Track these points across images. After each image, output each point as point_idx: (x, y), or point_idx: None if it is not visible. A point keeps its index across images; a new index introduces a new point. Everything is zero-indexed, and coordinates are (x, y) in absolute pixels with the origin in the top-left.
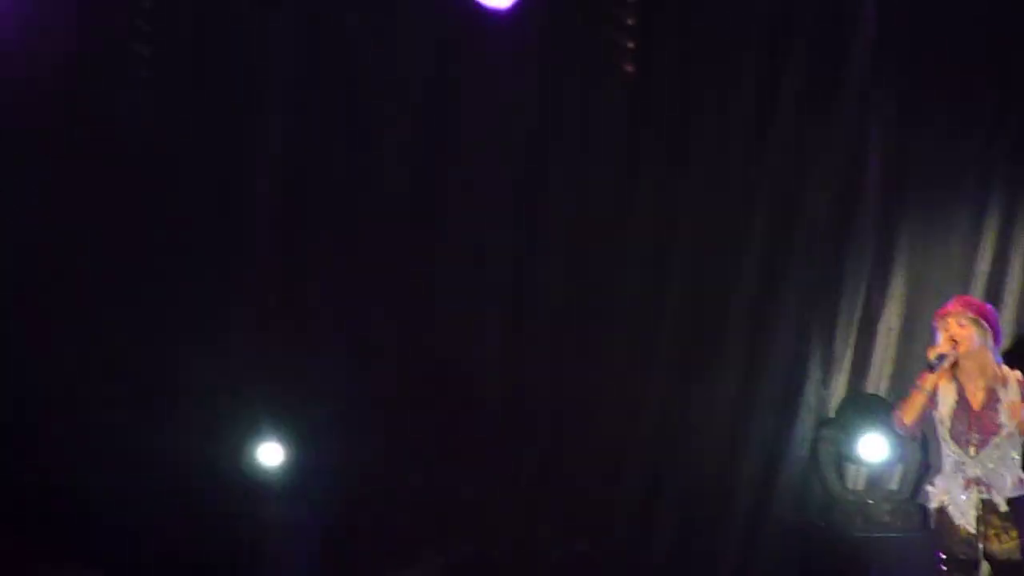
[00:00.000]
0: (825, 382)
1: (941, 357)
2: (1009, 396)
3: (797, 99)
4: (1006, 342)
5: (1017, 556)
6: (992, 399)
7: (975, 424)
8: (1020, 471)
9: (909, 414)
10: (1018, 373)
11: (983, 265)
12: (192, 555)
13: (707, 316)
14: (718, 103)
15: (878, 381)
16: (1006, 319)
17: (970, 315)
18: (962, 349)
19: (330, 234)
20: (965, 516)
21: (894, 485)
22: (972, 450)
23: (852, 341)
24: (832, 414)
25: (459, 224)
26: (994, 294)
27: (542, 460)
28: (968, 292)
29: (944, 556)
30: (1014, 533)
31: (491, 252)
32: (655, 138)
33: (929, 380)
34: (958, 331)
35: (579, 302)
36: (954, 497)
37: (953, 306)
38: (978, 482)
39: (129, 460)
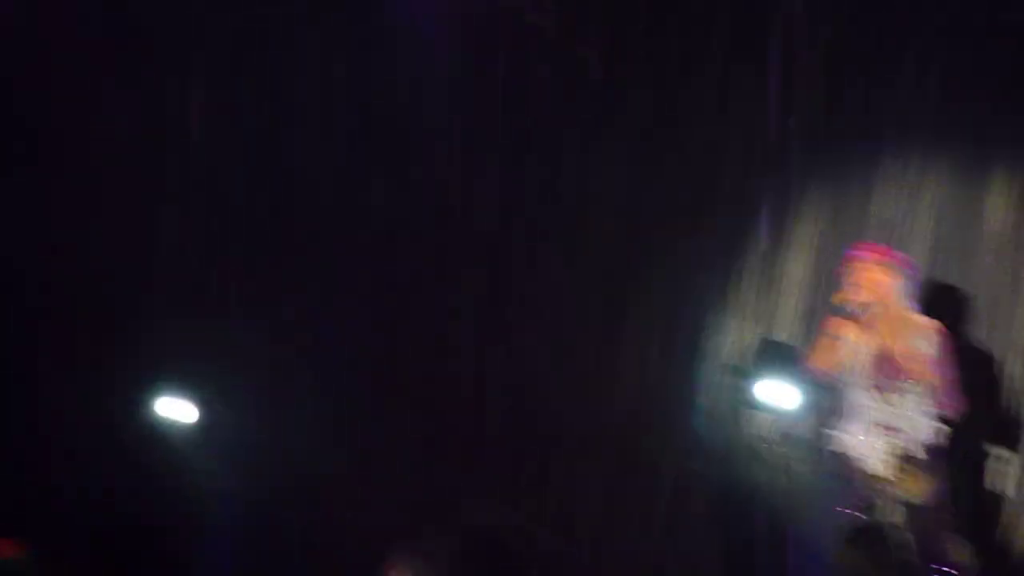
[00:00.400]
0: (732, 329)
1: (854, 304)
2: (921, 340)
3: (719, 54)
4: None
5: (928, 500)
6: (904, 344)
7: (887, 369)
8: (930, 418)
9: (823, 360)
10: (927, 318)
11: (891, 215)
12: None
13: (616, 271)
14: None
15: (785, 328)
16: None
17: (885, 261)
18: (876, 296)
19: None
20: (878, 461)
21: (802, 432)
22: (883, 395)
23: (759, 289)
24: (739, 361)
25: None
26: (901, 244)
27: (463, 423)
28: (875, 241)
29: (856, 500)
30: (925, 477)
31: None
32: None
33: (841, 326)
34: (871, 277)
35: (502, 263)
36: (866, 442)
37: (866, 252)
38: (887, 427)
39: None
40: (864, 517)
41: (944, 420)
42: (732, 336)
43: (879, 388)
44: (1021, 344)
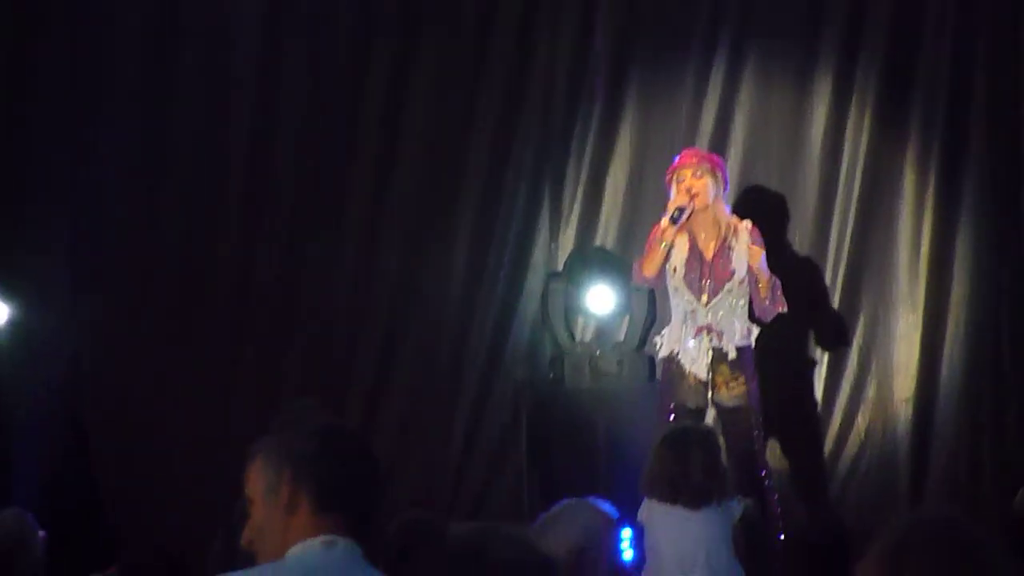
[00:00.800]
0: (554, 236)
1: (681, 210)
2: (740, 244)
3: None
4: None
5: (743, 403)
6: (724, 247)
7: (707, 272)
8: (747, 320)
9: (649, 266)
10: (747, 222)
11: (708, 121)
12: None
13: (439, 176)
14: None
15: (605, 235)
16: (732, 173)
17: (706, 166)
18: (699, 201)
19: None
20: (696, 363)
21: (621, 336)
22: (704, 298)
23: (580, 196)
24: (561, 268)
25: None
26: (718, 150)
27: (274, 331)
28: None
29: (674, 404)
30: (741, 380)
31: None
32: None
33: (668, 232)
34: (695, 183)
35: (311, 178)
36: (685, 345)
37: (687, 158)
38: (709, 330)
39: None
40: (683, 420)
41: (758, 322)
42: (555, 243)
43: (702, 290)
44: (832, 252)
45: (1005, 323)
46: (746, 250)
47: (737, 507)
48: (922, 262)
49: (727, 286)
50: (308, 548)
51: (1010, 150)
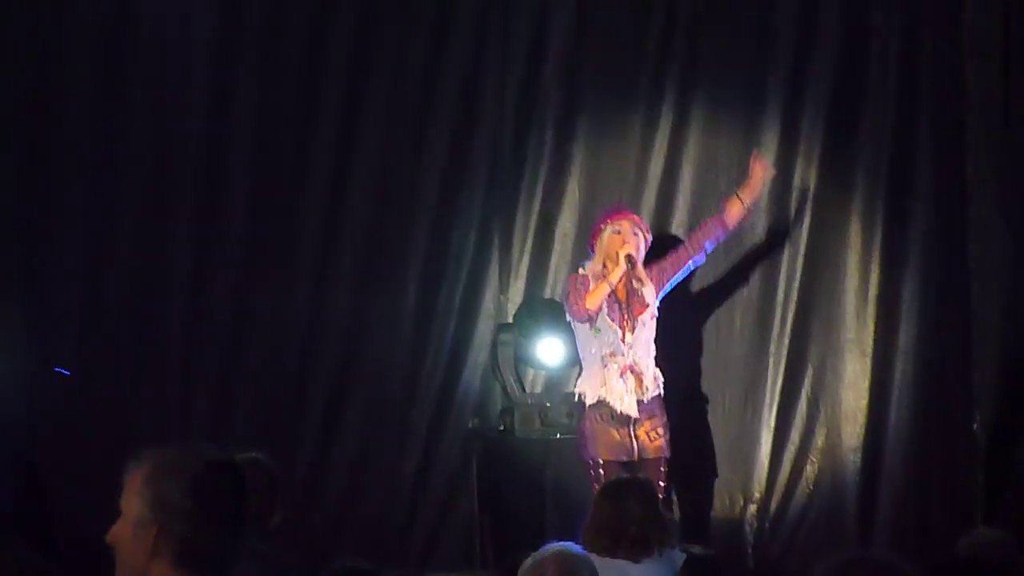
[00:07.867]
0: (503, 287)
1: (631, 258)
2: (646, 282)
3: (472, 5)
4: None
5: (662, 453)
6: (633, 288)
7: (625, 308)
8: (656, 368)
9: (593, 301)
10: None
11: (657, 168)
12: None
13: (387, 225)
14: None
15: (554, 286)
16: (678, 222)
17: (641, 226)
18: (635, 252)
19: None
20: (623, 402)
21: (570, 387)
22: (627, 334)
23: (529, 247)
24: (510, 319)
25: None
26: (666, 198)
27: (224, 370)
28: (642, 196)
29: (598, 460)
30: (660, 430)
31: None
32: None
33: (615, 274)
34: (633, 239)
35: (262, 223)
36: (612, 386)
37: (626, 213)
38: (632, 370)
39: None
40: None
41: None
42: (505, 295)
43: (623, 326)
44: (781, 300)
45: (952, 367)
46: (651, 285)
47: (680, 556)
48: (870, 307)
49: (641, 318)
50: None
51: (955, 192)
